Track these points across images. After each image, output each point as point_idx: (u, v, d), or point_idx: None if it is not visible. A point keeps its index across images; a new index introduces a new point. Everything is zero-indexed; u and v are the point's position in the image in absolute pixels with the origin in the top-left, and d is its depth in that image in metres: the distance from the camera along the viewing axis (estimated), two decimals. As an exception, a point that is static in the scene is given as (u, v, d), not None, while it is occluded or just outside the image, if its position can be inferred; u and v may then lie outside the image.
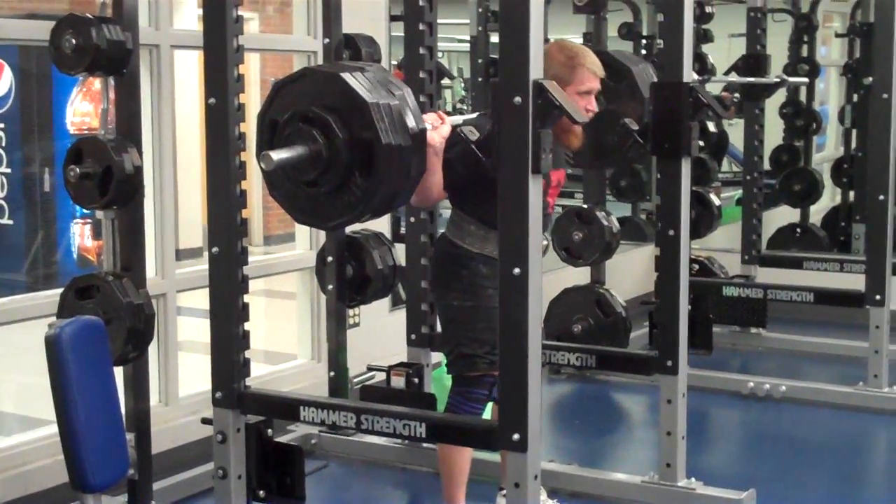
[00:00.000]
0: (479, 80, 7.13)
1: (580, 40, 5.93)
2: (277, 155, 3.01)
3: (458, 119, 3.57)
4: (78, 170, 3.73)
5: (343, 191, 3.08)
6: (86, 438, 3.00)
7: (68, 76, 3.92)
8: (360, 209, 3.10)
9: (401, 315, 4.82)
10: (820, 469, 4.94)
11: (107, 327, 3.41)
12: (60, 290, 3.87)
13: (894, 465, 5.31)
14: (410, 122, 3.08)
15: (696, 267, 6.49)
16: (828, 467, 4.99)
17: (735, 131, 7.44)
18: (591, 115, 3.80)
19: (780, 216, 8.36)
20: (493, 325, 3.72)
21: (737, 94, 6.80)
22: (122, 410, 3.62)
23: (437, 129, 3.40)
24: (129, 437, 3.81)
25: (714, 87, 6.67)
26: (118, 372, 3.59)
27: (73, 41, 3.69)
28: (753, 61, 6.70)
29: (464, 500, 3.96)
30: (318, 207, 3.15)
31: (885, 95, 5.49)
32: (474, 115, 3.66)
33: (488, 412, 4.01)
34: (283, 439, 4.51)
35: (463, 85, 11.84)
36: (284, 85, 3.18)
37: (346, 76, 3.05)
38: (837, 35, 9.86)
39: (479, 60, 7.14)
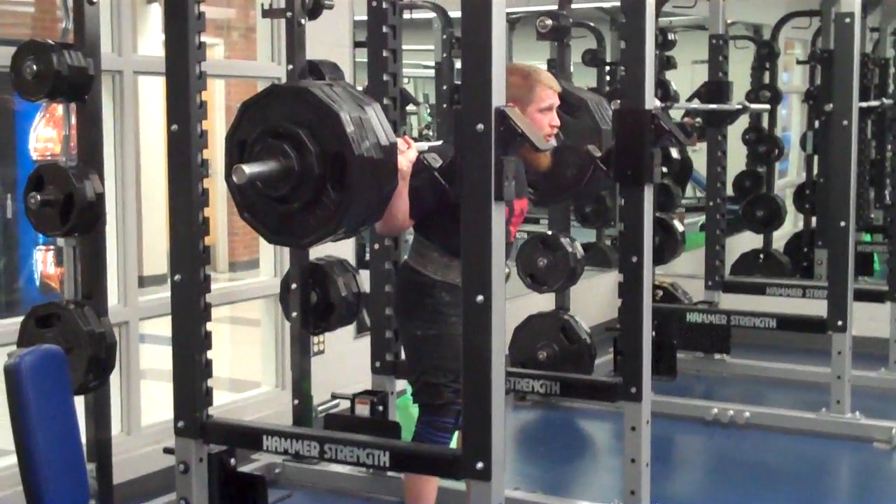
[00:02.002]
0: (445, 106, 7.15)
1: (544, 66, 5.96)
2: (250, 168, 2.98)
3: (424, 145, 3.57)
4: (39, 197, 3.71)
5: (316, 206, 3.05)
6: (45, 469, 2.96)
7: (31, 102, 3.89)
8: (333, 224, 3.06)
9: (365, 342, 4.80)
10: (783, 495, 4.95)
11: (67, 356, 3.36)
12: (22, 318, 3.84)
13: (856, 491, 5.33)
14: (381, 135, 3.07)
15: (660, 293, 6.51)
16: (791, 493, 5.00)
17: (699, 157, 7.49)
18: (555, 132, 3.84)
19: (744, 242, 8.41)
20: (458, 354, 3.71)
21: (699, 119, 6.84)
22: (83, 440, 3.58)
23: (404, 153, 3.40)
24: (90, 467, 3.78)
25: (676, 113, 6.71)
26: (79, 401, 3.55)
27: (34, 67, 3.68)
28: (715, 88, 6.75)
29: None
30: (290, 225, 3.12)
31: (844, 122, 5.53)
32: (439, 142, 3.66)
33: (455, 441, 4.00)
34: (246, 468, 4.48)
35: (428, 111, 11.85)
36: (252, 104, 3.16)
37: (316, 90, 3.05)
38: (799, 62, 9.97)
39: (444, 87, 7.17)
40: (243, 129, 3.14)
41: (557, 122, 3.91)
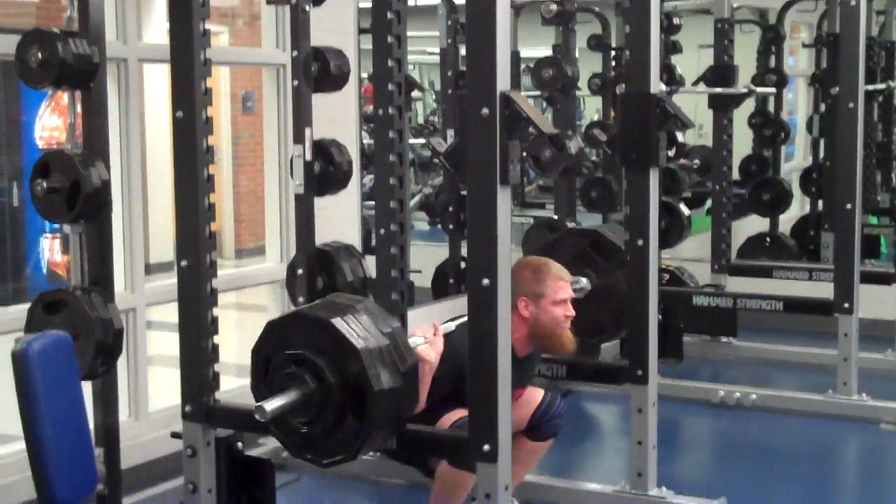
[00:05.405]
0: (450, 92, 7.15)
1: (549, 52, 5.96)
2: (271, 405, 2.98)
3: (451, 326, 3.55)
4: (45, 184, 3.72)
5: (337, 430, 3.07)
6: (53, 454, 2.97)
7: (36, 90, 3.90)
8: (355, 448, 3.08)
9: (372, 327, 4.80)
10: (790, 477, 4.96)
11: (75, 342, 3.39)
12: (29, 305, 3.85)
13: (863, 473, 5.34)
14: (402, 361, 3.05)
15: (667, 276, 6.52)
16: (798, 475, 5.01)
17: (706, 141, 7.49)
18: (568, 323, 3.88)
19: (750, 225, 8.40)
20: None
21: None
22: (91, 425, 3.60)
23: (433, 343, 3.38)
24: (98, 451, 3.79)
25: (682, 98, 6.70)
26: (87, 387, 3.57)
27: (39, 55, 3.67)
28: (721, 72, 6.74)
29: None
30: (314, 445, 3.13)
31: (850, 105, 5.54)
32: (463, 318, 3.51)
33: None
34: (253, 453, 4.50)
35: (434, 97, 11.84)
36: (276, 325, 3.18)
37: (338, 322, 3.02)
38: (805, 45, 9.94)
39: (449, 73, 7.17)
40: (268, 347, 3.15)
41: (572, 312, 3.90)
